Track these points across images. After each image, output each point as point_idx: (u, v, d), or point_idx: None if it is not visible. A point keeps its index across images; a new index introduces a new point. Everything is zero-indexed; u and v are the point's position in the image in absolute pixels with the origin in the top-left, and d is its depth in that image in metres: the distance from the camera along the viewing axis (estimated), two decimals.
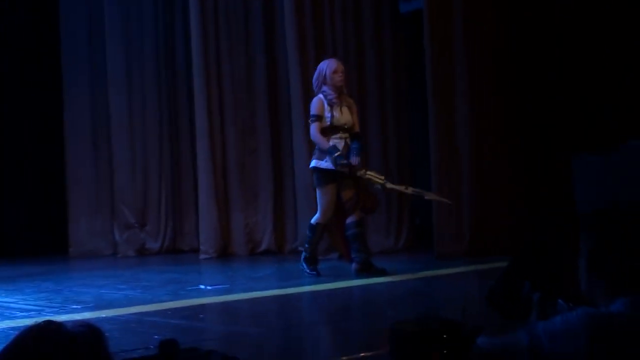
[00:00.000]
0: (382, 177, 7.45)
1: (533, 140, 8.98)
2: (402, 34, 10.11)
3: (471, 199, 8.69)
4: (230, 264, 9.54)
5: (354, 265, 7.42)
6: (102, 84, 11.42)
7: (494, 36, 8.86)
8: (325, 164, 7.34)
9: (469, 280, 7.34)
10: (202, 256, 10.20)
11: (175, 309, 5.91)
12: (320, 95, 7.48)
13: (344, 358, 3.68)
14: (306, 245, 7.61)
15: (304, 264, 7.57)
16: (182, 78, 11.31)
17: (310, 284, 7.15)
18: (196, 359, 3.15)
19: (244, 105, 10.41)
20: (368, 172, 7.42)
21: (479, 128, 8.77)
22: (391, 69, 10.00)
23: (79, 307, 6.18)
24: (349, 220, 7.44)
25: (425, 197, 7.57)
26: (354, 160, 7.32)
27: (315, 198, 7.59)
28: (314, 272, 7.48)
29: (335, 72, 7.44)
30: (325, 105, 7.42)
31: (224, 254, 10.21)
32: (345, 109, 7.48)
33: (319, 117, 7.40)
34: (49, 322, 1.84)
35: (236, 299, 6.51)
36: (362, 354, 3.63)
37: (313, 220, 7.56)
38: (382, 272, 7.36)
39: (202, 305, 6.18)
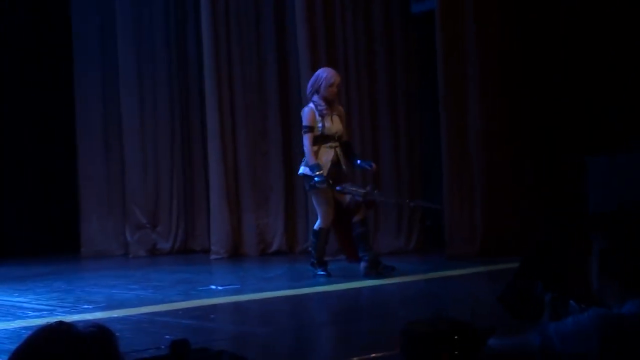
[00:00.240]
0: (363, 192, 7.46)
1: (543, 142, 8.96)
2: (414, 34, 10.09)
3: (482, 200, 8.67)
4: (241, 265, 9.55)
5: (362, 264, 7.43)
6: (114, 85, 11.45)
7: (500, 38, 8.84)
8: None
9: (480, 281, 7.33)
10: (213, 256, 10.21)
11: (187, 309, 5.92)
12: (311, 105, 7.56)
13: (355, 359, 3.68)
14: (312, 252, 7.64)
15: (313, 269, 7.59)
16: (194, 79, 11.32)
17: (321, 284, 7.15)
18: (207, 359, 3.15)
19: (255, 106, 10.42)
20: (348, 188, 7.43)
21: (490, 129, 8.75)
22: (402, 69, 9.98)
23: (90, 307, 6.20)
24: (355, 219, 7.47)
25: (411, 205, 7.56)
26: (320, 184, 7.33)
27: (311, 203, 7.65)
28: (324, 273, 7.49)
29: (331, 85, 7.52)
30: (317, 116, 7.50)
31: (235, 255, 10.22)
32: (335, 118, 7.57)
33: (311, 128, 7.48)
34: (61, 323, 1.87)
35: (247, 299, 6.52)
36: (373, 355, 3.63)
37: (316, 227, 7.60)
38: (391, 270, 7.38)
39: (213, 306, 6.19)
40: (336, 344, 4.71)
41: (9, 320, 5.63)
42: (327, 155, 7.44)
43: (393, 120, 9.91)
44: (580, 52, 8.88)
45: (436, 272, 7.76)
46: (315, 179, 7.36)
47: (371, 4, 9.84)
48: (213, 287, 7.32)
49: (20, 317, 5.80)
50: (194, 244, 11.32)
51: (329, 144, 7.48)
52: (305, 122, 7.53)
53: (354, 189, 7.47)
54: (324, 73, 7.64)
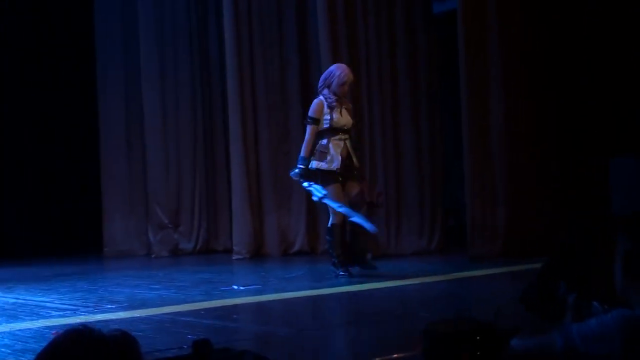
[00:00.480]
0: (320, 195, 7.46)
1: (568, 144, 8.91)
2: (435, 34, 10.06)
3: (505, 201, 8.63)
4: (263, 265, 9.56)
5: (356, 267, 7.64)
6: (136, 84, 11.51)
7: (523, 38, 8.79)
8: (326, 164, 7.41)
9: (502, 281, 7.29)
10: (235, 257, 10.24)
11: (209, 309, 5.94)
12: (321, 97, 7.59)
13: (377, 359, 3.67)
14: (330, 251, 7.65)
15: (334, 269, 7.59)
16: (216, 79, 11.36)
17: (342, 284, 7.14)
18: (229, 358, 3.16)
19: (277, 107, 10.43)
20: (312, 186, 7.48)
21: (512, 130, 8.71)
22: (424, 70, 9.96)
23: (113, 306, 6.22)
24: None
25: (350, 219, 7.52)
26: (293, 174, 7.61)
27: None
28: (346, 273, 7.49)
29: (343, 84, 7.56)
30: (325, 108, 7.54)
31: (257, 255, 10.24)
32: (344, 111, 7.60)
33: (316, 120, 7.54)
34: (84, 327, 1.95)
35: (269, 299, 6.53)
36: (395, 355, 3.62)
37: (329, 224, 7.61)
38: (373, 267, 7.60)
39: (235, 306, 6.20)
40: (358, 345, 4.71)
41: (33, 320, 5.67)
42: (337, 147, 7.48)
43: (415, 120, 9.89)
44: (605, 53, 8.82)
45: (458, 272, 7.74)
46: (295, 169, 7.55)
47: (393, 4, 9.82)
48: (235, 287, 7.34)
49: (43, 317, 5.83)
50: (216, 244, 11.36)
51: (339, 136, 7.51)
52: (310, 113, 7.61)
53: (316, 188, 7.48)
54: (338, 70, 7.65)
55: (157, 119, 11.37)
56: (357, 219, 7.36)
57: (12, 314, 6.04)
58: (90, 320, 5.49)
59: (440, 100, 10.12)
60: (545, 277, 2.94)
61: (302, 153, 7.57)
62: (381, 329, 4.99)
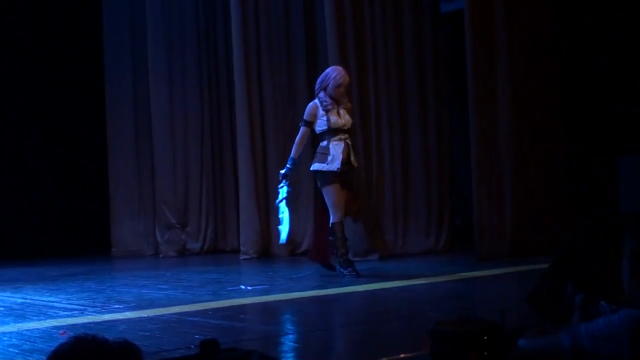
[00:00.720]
0: (283, 199, 7.56)
1: (574, 142, 8.90)
2: (443, 33, 10.06)
3: (512, 200, 8.62)
4: (271, 265, 9.57)
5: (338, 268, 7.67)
6: (144, 86, 11.54)
7: (530, 37, 8.78)
8: (327, 165, 7.45)
9: (509, 281, 7.29)
10: (242, 257, 10.25)
11: (216, 309, 5.94)
12: (316, 101, 7.63)
13: (384, 359, 3.67)
14: (334, 251, 7.65)
15: (341, 269, 7.59)
16: (223, 80, 11.38)
17: (349, 284, 7.14)
18: (236, 358, 3.17)
19: (285, 108, 10.44)
20: (281, 188, 7.66)
21: (520, 128, 8.70)
22: (432, 69, 9.96)
23: (120, 306, 6.23)
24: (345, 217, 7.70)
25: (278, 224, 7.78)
26: (280, 173, 7.76)
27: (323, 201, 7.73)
28: (354, 273, 7.49)
29: (339, 86, 7.58)
30: (320, 111, 7.57)
31: (264, 255, 10.25)
32: (343, 111, 7.63)
33: (308, 123, 7.61)
34: (89, 335, 1.99)
35: (276, 299, 6.53)
36: (402, 355, 3.62)
37: (330, 223, 7.62)
38: (333, 269, 7.70)
39: (243, 306, 6.20)
40: (365, 345, 4.70)
41: (40, 320, 5.68)
42: (338, 148, 7.49)
43: (422, 119, 9.89)
44: (613, 51, 8.80)
45: (465, 272, 7.73)
46: (283, 169, 7.68)
47: (400, 4, 9.82)
48: (242, 287, 7.34)
49: (51, 317, 5.84)
50: (223, 244, 11.38)
51: (339, 137, 7.54)
52: (304, 116, 7.69)
53: (284, 191, 7.59)
54: (334, 72, 7.66)
55: (164, 120, 11.39)
56: (281, 224, 7.62)
57: (20, 314, 6.05)
58: (98, 320, 5.50)
59: (448, 100, 10.12)
60: (552, 276, 2.94)
61: (292, 154, 7.72)
62: (388, 329, 4.99)
